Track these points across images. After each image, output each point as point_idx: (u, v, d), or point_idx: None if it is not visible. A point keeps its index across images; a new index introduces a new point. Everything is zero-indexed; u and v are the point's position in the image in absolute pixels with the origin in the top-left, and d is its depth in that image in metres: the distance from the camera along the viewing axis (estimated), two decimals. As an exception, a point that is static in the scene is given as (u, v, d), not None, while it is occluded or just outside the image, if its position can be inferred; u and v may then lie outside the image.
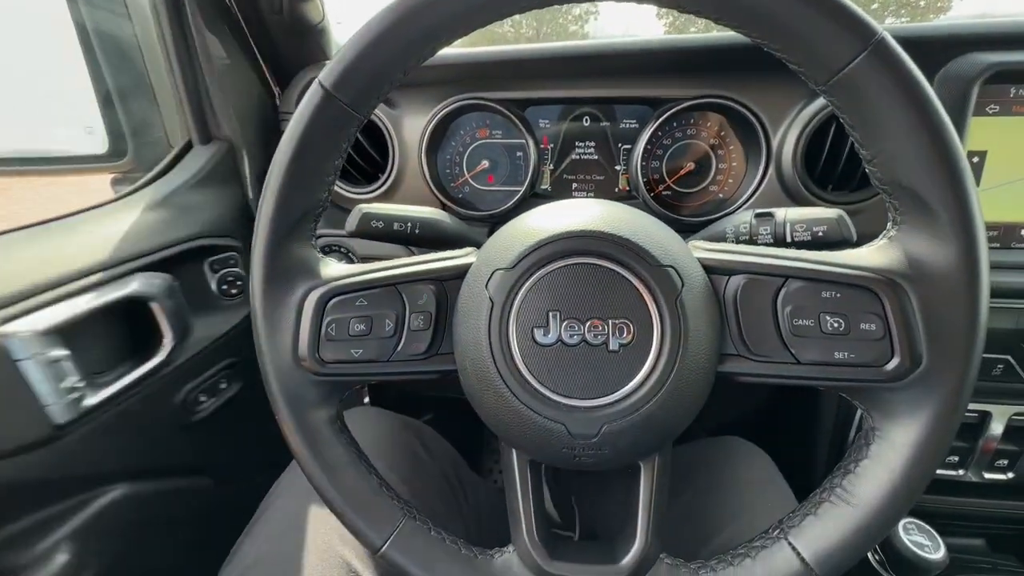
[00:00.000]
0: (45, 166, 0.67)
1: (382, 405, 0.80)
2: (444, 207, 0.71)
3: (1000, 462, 0.67)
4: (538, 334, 0.34)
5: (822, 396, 0.74)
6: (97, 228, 0.52)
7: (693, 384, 0.33)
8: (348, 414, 0.61)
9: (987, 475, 0.68)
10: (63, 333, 0.46)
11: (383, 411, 0.63)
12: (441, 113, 0.68)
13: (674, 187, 0.69)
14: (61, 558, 0.47)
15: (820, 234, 0.45)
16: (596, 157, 0.71)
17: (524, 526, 0.37)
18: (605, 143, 0.70)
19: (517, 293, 0.34)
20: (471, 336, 0.35)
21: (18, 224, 0.49)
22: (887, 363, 0.32)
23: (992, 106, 0.55)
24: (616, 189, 0.71)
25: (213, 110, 0.65)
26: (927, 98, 0.28)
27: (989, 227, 0.58)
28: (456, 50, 0.64)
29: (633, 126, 0.69)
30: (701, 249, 0.37)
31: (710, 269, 0.35)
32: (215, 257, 0.62)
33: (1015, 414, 0.64)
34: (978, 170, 0.57)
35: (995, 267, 0.56)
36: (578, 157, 0.71)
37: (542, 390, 0.33)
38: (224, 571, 0.47)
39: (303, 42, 0.69)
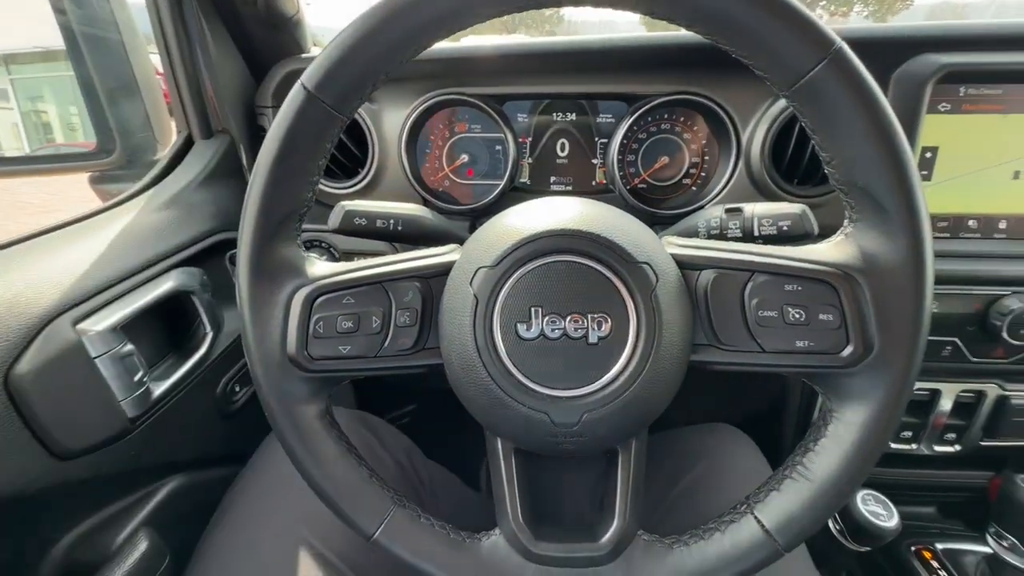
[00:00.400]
0: (34, 165, 0.66)
1: (366, 396, 0.81)
2: (425, 202, 0.71)
3: (948, 436, 0.72)
4: (521, 329, 0.35)
5: (793, 382, 0.79)
6: (123, 227, 0.53)
7: (667, 373, 0.35)
8: None
9: (937, 448, 0.73)
10: (125, 329, 0.47)
11: (336, 408, 0.65)
12: (420, 108, 0.68)
13: (649, 180, 0.71)
14: (141, 545, 0.48)
15: (785, 228, 0.47)
16: (574, 151, 0.72)
17: (509, 510, 0.39)
18: (582, 137, 0.72)
19: (500, 290, 0.35)
20: (457, 331, 0.36)
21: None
22: (843, 350, 0.34)
23: (944, 104, 0.58)
24: (593, 182, 0.73)
25: (213, 105, 0.65)
26: (880, 105, 0.30)
27: (939, 218, 0.62)
28: (435, 45, 0.65)
29: (610, 121, 0.70)
30: (674, 245, 0.38)
31: (682, 264, 0.37)
32: (234, 250, 0.63)
33: (962, 391, 0.69)
34: (930, 165, 0.60)
35: (944, 256, 0.60)
36: (556, 151, 0.72)
37: (526, 382, 0.35)
38: (191, 568, 0.48)
39: (278, 35, 0.69)
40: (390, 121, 0.69)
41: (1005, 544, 0.60)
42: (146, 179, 0.61)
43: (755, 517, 0.36)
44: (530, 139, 0.72)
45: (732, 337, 0.36)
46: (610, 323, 0.34)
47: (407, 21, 0.33)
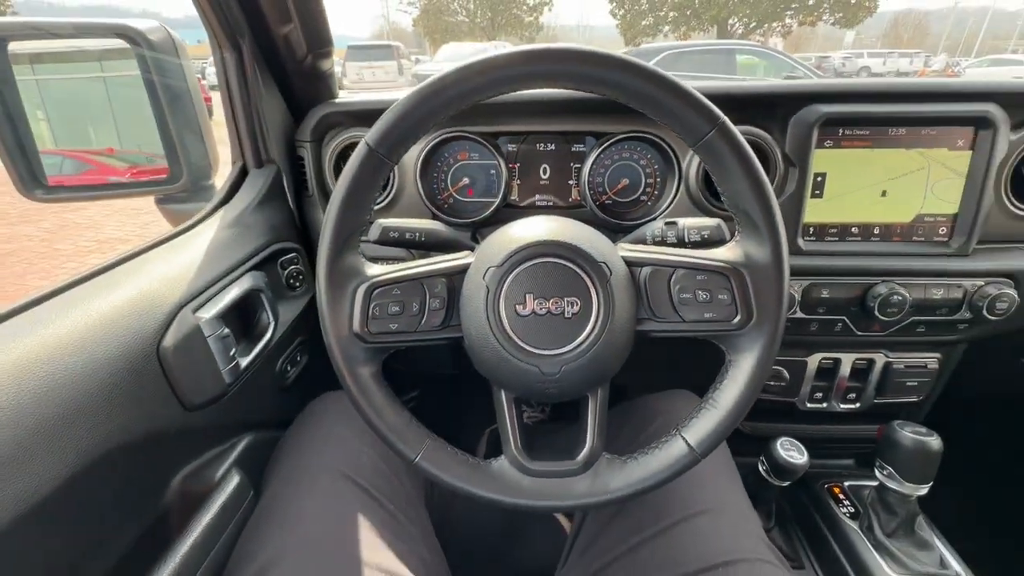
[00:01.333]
0: (115, 190, 0.80)
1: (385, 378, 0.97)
2: (435, 216, 0.87)
3: (850, 395, 0.91)
4: (519, 308, 0.47)
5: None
6: (210, 239, 0.67)
7: (619, 339, 0.48)
8: (320, 400, 0.75)
9: (842, 406, 0.92)
10: (223, 317, 0.61)
11: (337, 392, 0.77)
12: (431, 143, 0.84)
13: (614, 198, 0.87)
14: (234, 481, 0.62)
15: (706, 236, 0.62)
16: (554, 174, 0.88)
17: (512, 441, 0.52)
18: (560, 163, 0.88)
19: (504, 282, 0.48)
20: (474, 312, 0.49)
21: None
22: (734, 319, 0.48)
23: (828, 141, 0.76)
24: (570, 199, 0.89)
25: (263, 140, 0.80)
26: (751, 158, 0.45)
27: (830, 226, 0.80)
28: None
29: (582, 150, 0.87)
30: (624, 249, 0.52)
31: (629, 263, 0.51)
32: (283, 258, 0.78)
33: (857, 359, 0.87)
34: (821, 186, 0.78)
35: (835, 254, 0.80)
36: (540, 174, 0.89)
37: (522, 345, 0.47)
38: (262, 500, 0.62)
39: (315, 84, 0.85)
40: (407, 153, 0.85)
41: (885, 473, 0.78)
42: (215, 201, 0.76)
43: (682, 437, 0.50)
44: (518, 165, 0.88)
45: (663, 312, 0.50)
46: (579, 304, 0.47)
47: (434, 101, 0.45)
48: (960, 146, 0.75)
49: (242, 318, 0.70)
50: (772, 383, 0.92)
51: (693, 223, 0.64)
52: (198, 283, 0.61)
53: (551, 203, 0.90)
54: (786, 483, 0.85)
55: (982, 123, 0.73)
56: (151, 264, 0.60)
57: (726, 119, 0.45)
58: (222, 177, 0.84)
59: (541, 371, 0.48)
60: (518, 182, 0.89)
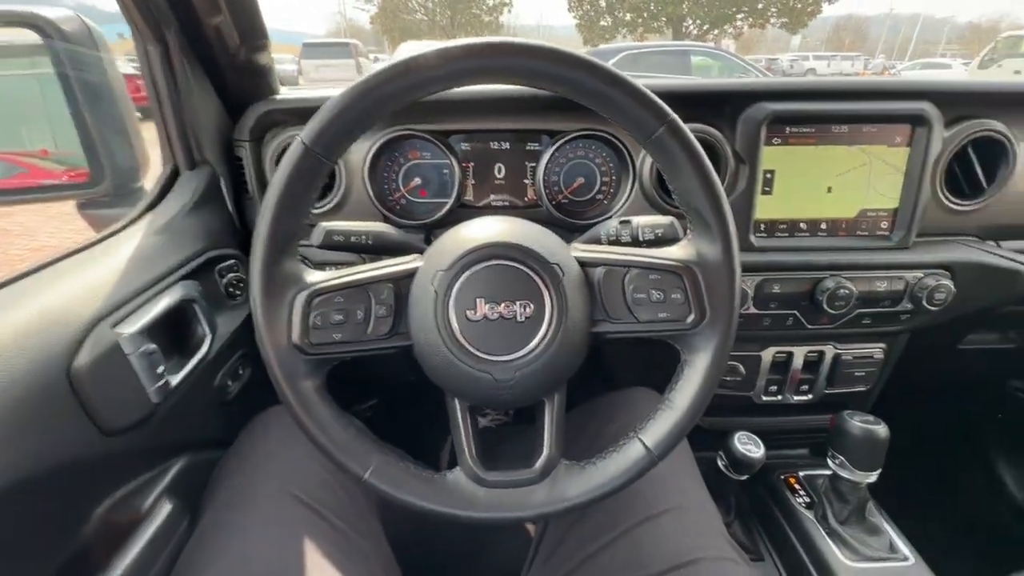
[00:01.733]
0: (33, 195, 0.73)
1: (333, 392, 0.94)
2: (385, 218, 0.84)
3: (803, 387, 0.93)
4: (469, 313, 0.46)
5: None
6: (134, 247, 0.61)
7: (574, 341, 0.48)
8: (264, 415, 0.71)
9: (796, 398, 0.94)
10: (148, 332, 0.56)
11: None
12: (380, 142, 0.80)
13: (570, 197, 0.86)
14: (165, 509, 0.57)
15: (659, 234, 0.61)
16: (509, 173, 0.87)
17: (467, 452, 0.50)
18: (515, 162, 0.86)
19: (454, 286, 0.46)
20: (423, 318, 0.47)
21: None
22: (688, 318, 0.48)
23: (776, 139, 0.78)
24: (525, 199, 0.88)
25: (196, 141, 0.75)
26: (701, 156, 0.45)
27: (780, 222, 0.82)
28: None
29: (537, 149, 0.85)
30: (578, 250, 0.51)
31: (582, 263, 0.50)
32: (221, 265, 0.73)
33: (808, 352, 0.90)
34: (771, 183, 0.80)
35: (784, 250, 0.81)
36: (494, 173, 0.87)
37: (474, 351, 0.46)
38: (201, 524, 0.58)
39: (252, 80, 0.80)
40: (355, 152, 0.81)
41: (837, 462, 0.81)
42: (142, 206, 0.70)
43: (640, 439, 0.50)
44: (472, 164, 0.86)
45: (617, 313, 0.49)
46: (532, 307, 0.46)
47: (372, 96, 0.43)
48: (898, 143, 0.78)
49: (174, 332, 0.65)
50: (728, 378, 0.94)
51: (647, 221, 0.63)
52: (119, 295, 0.55)
53: (507, 203, 0.88)
54: (744, 477, 0.86)
55: (918, 120, 0.76)
56: (65, 275, 0.55)
57: (675, 116, 0.45)
58: (154, 180, 0.78)
59: (494, 378, 0.47)
60: (472, 182, 0.87)
